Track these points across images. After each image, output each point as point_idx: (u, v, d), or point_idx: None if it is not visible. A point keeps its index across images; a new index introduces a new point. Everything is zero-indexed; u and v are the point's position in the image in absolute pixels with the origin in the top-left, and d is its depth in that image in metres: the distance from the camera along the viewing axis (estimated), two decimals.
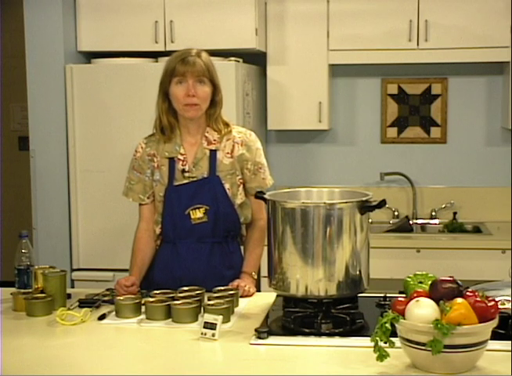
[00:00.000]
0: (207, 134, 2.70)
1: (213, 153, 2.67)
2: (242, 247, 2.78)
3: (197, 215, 2.66)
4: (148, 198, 2.76)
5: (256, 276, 2.70)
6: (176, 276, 2.66)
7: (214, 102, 2.68)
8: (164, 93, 2.69)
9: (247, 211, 2.74)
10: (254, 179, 2.72)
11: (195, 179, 2.67)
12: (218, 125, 2.69)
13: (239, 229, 2.75)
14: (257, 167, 2.72)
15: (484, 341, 1.81)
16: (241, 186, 2.72)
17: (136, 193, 2.77)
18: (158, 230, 2.74)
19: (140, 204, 2.79)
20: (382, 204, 2.25)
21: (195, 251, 2.68)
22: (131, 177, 2.79)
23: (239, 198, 2.71)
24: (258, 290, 2.65)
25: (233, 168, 2.68)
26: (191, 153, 2.69)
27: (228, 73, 3.87)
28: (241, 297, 2.51)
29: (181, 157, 2.68)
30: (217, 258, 2.69)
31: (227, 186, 2.67)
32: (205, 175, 2.67)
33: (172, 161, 2.68)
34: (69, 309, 2.37)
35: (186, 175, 2.67)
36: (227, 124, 2.72)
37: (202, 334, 2.12)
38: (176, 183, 2.67)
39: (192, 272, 2.66)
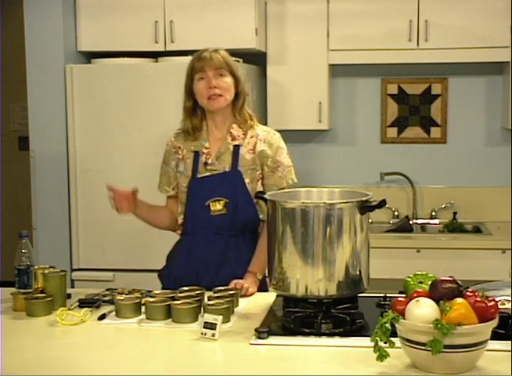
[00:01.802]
0: (232, 130, 2.77)
1: (236, 148, 2.74)
2: None
3: (217, 207, 2.71)
4: (173, 190, 2.86)
5: (260, 277, 2.69)
6: (192, 266, 2.72)
7: (237, 94, 2.76)
8: (189, 93, 2.77)
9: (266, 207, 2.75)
10: (271, 177, 2.76)
11: (216, 172, 2.74)
12: (243, 116, 2.77)
13: (258, 224, 2.78)
14: (276, 165, 2.76)
15: (485, 341, 1.80)
16: (260, 181, 2.77)
17: (163, 184, 2.88)
18: (180, 221, 2.82)
19: (167, 197, 2.89)
20: (382, 204, 2.25)
21: (211, 242, 2.73)
22: (161, 169, 2.90)
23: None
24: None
25: (254, 163, 2.74)
26: (215, 147, 2.76)
27: None
28: (240, 296, 2.51)
29: (205, 151, 2.76)
30: (231, 252, 2.72)
31: (247, 180, 2.73)
32: (227, 169, 2.73)
33: (197, 154, 2.77)
34: (69, 309, 2.36)
35: (208, 167, 2.75)
36: (250, 116, 2.80)
37: (202, 334, 2.12)
38: (199, 176, 2.75)
39: (206, 263, 2.71)
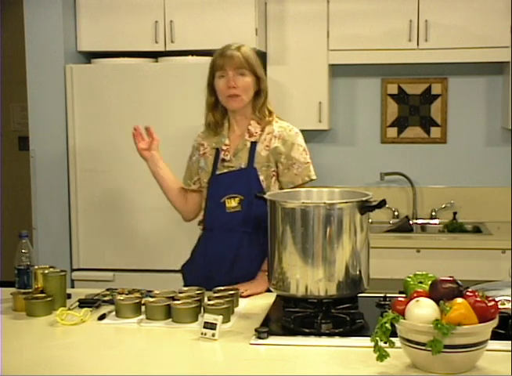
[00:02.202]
0: (249, 127, 2.79)
1: (253, 144, 2.76)
2: None
3: (232, 203, 2.73)
4: (194, 184, 2.90)
5: None
6: (208, 262, 2.76)
7: (259, 92, 2.78)
8: (211, 89, 2.80)
9: None
10: (286, 174, 2.76)
11: (233, 169, 2.76)
12: (262, 113, 2.79)
13: None
14: (291, 162, 2.76)
15: (485, 341, 1.80)
16: (274, 178, 2.77)
17: (185, 178, 2.94)
18: (201, 216, 2.86)
19: (189, 190, 2.93)
20: (382, 204, 2.25)
21: (226, 239, 2.74)
22: (186, 164, 2.95)
23: (273, 190, 2.74)
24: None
25: (268, 160, 2.75)
26: (234, 143, 2.79)
27: None
28: (241, 296, 2.52)
29: (224, 148, 2.79)
30: (244, 249, 2.73)
31: (262, 177, 2.73)
32: (243, 166, 2.75)
33: (218, 151, 2.80)
34: (69, 309, 2.36)
35: (226, 164, 2.78)
36: (271, 113, 2.81)
37: (202, 334, 2.12)
38: (217, 172, 2.79)
39: (220, 259, 2.74)
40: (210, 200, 2.79)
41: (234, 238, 2.74)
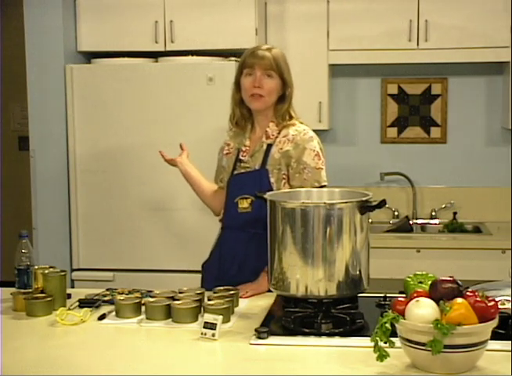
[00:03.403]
0: (267, 128, 2.80)
1: (269, 147, 2.78)
2: None
3: (244, 204, 2.75)
4: (221, 182, 2.94)
5: None
6: (221, 261, 2.80)
7: (283, 97, 2.80)
8: (237, 85, 2.81)
9: None
10: (296, 178, 2.75)
11: (248, 170, 2.78)
12: (282, 118, 2.80)
13: None
14: (302, 166, 2.74)
15: (485, 341, 1.81)
16: (284, 181, 2.76)
17: (215, 176, 2.99)
18: (221, 215, 2.89)
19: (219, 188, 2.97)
20: (382, 204, 2.25)
21: (237, 239, 2.77)
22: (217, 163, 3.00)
23: None
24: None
25: (280, 163, 2.75)
26: (253, 145, 2.82)
27: (228, 73, 3.87)
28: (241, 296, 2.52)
29: (244, 148, 2.82)
30: (254, 249, 2.71)
31: (273, 179, 2.74)
32: (257, 167, 2.77)
33: (239, 152, 2.83)
34: (69, 309, 2.36)
35: (242, 165, 2.80)
36: (291, 118, 2.82)
37: (202, 334, 2.12)
38: (236, 172, 2.82)
39: (231, 259, 2.77)
40: (227, 200, 2.82)
41: (244, 238, 2.75)
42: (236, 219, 2.77)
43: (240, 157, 2.81)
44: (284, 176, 2.76)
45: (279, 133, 2.78)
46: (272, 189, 2.69)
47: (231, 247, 2.79)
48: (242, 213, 2.75)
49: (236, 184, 2.79)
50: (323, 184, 2.77)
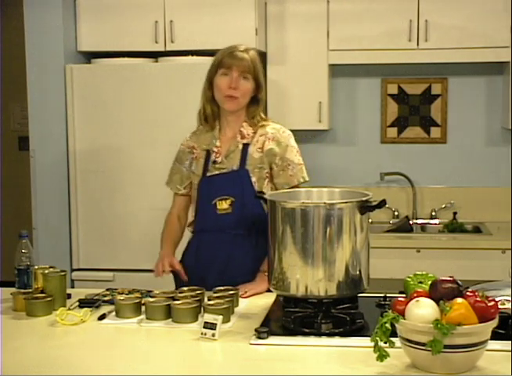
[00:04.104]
0: (242, 128, 2.78)
1: (245, 146, 2.75)
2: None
3: (223, 205, 2.72)
4: (184, 188, 2.88)
5: None
6: (204, 264, 2.75)
7: (256, 99, 2.78)
8: (209, 83, 2.78)
9: None
10: (281, 175, 2.75)
11: (225, 171, 2.75)
12: (255, 121, 2.78)
13: (265, 223, 2.75)
14: (285, 163, 2.75)
15: (485, 341, 1.81)
16: (267, 180, 2.75)
17: (174, 182, 2.90)
18: (191, 218, 2.85)
19: (176, 194, 2.91)
20: (382, 204, 2.25)
21: (217, 241, 2.74)
22: (173, 167, 2.92)
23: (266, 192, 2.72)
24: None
25: (262, 162, 2.74)
26: (225, 145, 2.78)
27: None
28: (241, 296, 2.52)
29: (215, 149, 2.78)
30: (237, 251, 2.71)
31: (254, 179, 2.72)
32: (235, 168, 2.74)
33: (208, 153, 2.79)
34: (69, 309, 2.36)
35: (217, 166, 2.76)
36: (264, 120, 2.81)
37: (202, 334, 2.12)
38: (208, 174, 2.77)
39: (212, 262, 2.73)
40: (201, 202, 2.77)
41: (226, 240, 2.72)
42: (215, 221, 2.74)
43: (214, 159, 2.76)
44: (267, 175, 2.75)
45: (254, 133, 2.77)
46: (254, 189, 2.70)
47: (211, 250, 2.74)
48: (221, 215, 2.72)
49: (212, 186, 2.74)
50: (307, 179, 2.79)
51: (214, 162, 2.76)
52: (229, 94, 2.71)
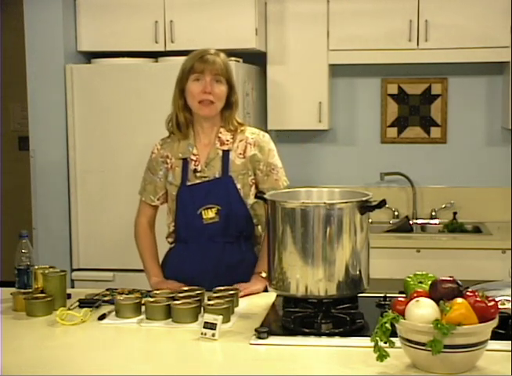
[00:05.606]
0: (220, 134, 2.71)
1: (226, 153, 2.69)
2: (256, 248, 2.77)
3: (209, 214, 2.66)
4: (158, 200, 2.80)
5: (265, 275, 2.66)
6: (187, 275, 2.66)
7: (230, 103, 2.70)
8: (181, 90, 2.70)
9: (260, 212, 2.72)
10: (266, 180, 2.72)
11: (207, 179, 2.68)
12: (231, 126, 2.71)
13: (253, 229, 2.74)
14: (269, 168, 2.72)
15: (485, 341, 1.80)
16: (253, 186, 2.72)
17: (147, 193, 2.81)
18: (171, 228, 2.77)
19: (147, 203, 2.83)
20: (382, 204, 2.25)
21: (206, 250, 2.68)
22: (145, 177, 2.83)
23: (251, 199, 2.70)
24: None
25: (245, 168, 2.69)
26: (204, 153, 2.70)
27: None
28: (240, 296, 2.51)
29: (193, 158, 2.70)
30: (228, 258, 2.68)
31: (239, 186, 2.68)
32: (217, 176, 2.68)
33: (185, 162, 2.70)
34: (69, 309, 2.36)
35: (198, 174, 2.69)
36: (241, 125, 2.74)
37: (202, 334, 2.12)
38: (189, 183, 2.69)
39: (202, 271, 2.66)
40: (183, 213, 2.69)
41: (215, 249, 2.67)
42: (201, 231, 2.67)
43: (194, 167, 2.68)
44: (253, 181, 2.71)
45: (233, 138, 2.70)
46: (240, 196, 2.67)
47: (199, 261, 2.68)
48: (208, 224, 2.66)
49: (196, 195, 2.66)
50: (288, 183, 2.76)
51: (195, 171, 2.68)
52: (204, 99, 2.62)
